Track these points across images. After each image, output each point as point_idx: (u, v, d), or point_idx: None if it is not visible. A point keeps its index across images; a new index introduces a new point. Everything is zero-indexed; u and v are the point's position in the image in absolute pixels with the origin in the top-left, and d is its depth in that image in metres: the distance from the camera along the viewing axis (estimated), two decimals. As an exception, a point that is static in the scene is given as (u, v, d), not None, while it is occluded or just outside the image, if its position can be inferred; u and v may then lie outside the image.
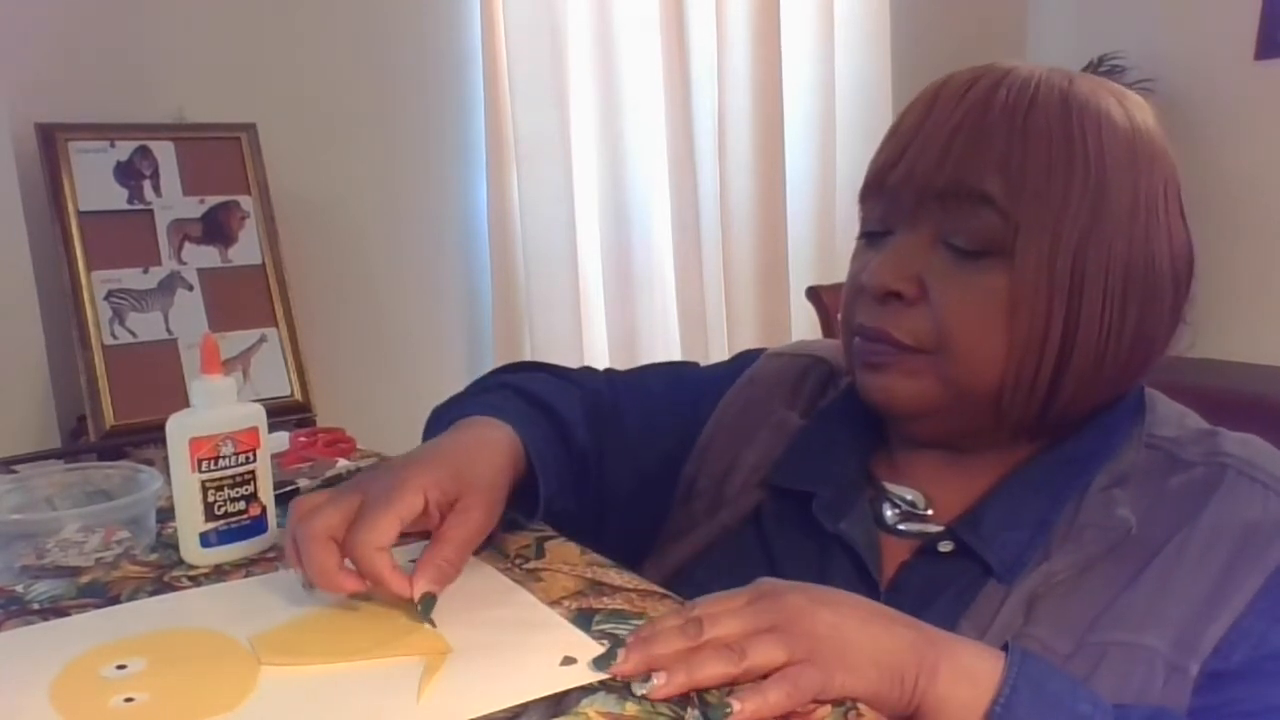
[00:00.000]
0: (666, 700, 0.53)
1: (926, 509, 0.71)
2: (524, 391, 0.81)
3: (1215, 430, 0.69)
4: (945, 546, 0.67)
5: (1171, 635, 0.59)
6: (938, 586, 0.66)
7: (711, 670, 0.53)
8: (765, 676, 0.53)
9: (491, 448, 0.69)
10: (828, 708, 0.53)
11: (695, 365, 0.94)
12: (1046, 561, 0.64)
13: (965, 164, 0.64)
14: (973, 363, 0.65)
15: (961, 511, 0.69)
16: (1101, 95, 0.66)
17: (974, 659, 0.56)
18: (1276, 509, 0.62)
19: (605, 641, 0.59)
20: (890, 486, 0.73)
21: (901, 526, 0.71)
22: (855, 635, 0.55)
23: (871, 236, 0.71)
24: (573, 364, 0.93)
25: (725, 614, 0.56)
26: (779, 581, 0.58)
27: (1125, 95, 0.68)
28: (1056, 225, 0.63)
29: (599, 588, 0.67)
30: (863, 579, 0.69)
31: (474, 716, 0.51)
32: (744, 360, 0.89)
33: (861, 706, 0.53)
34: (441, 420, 0.77)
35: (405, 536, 0.64)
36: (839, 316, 0.75)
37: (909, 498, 0.72)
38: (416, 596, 0.60)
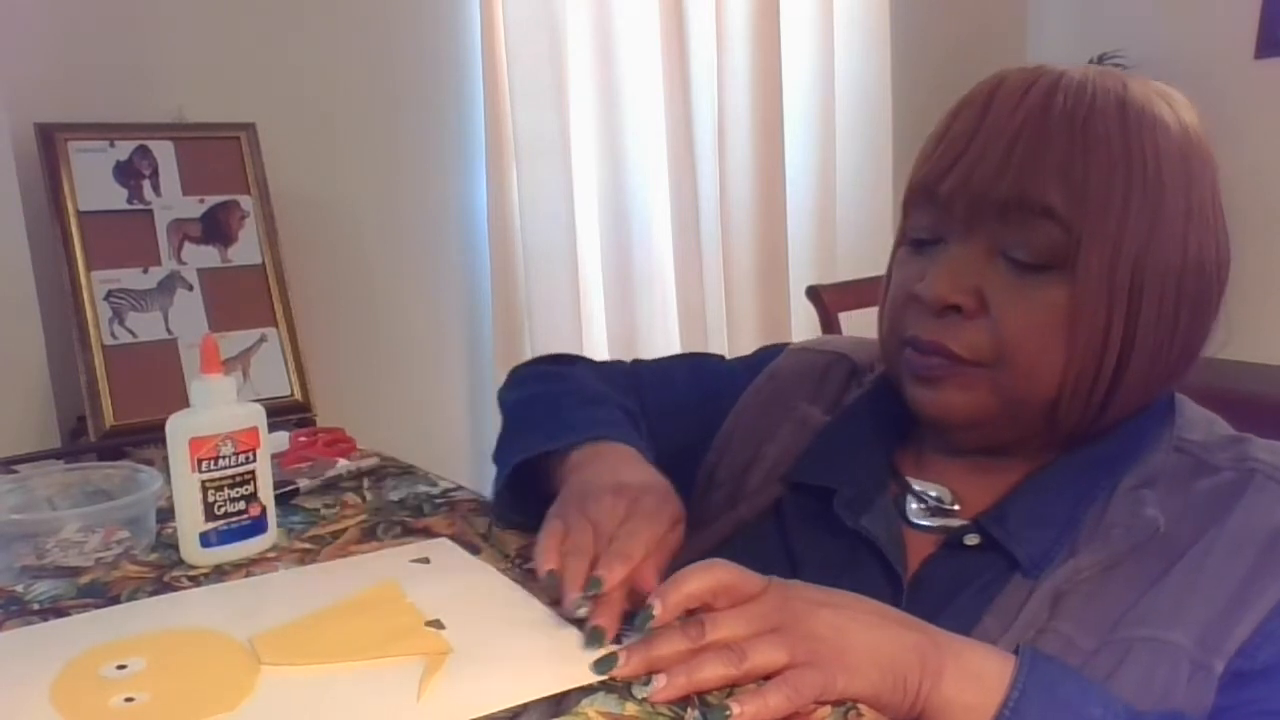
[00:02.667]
0: (667, 703, 0.52)
1: (953, 504, 0.71)
2: (621, 406, 0.83)
3: (1244, 436, 0.69)
4: (971, 540, 0.67)
5: (1196, 633, 0.59)
6: (962, 580, 0.66)
7: (712, 672, 0.53)
8: (767, 677, 0.53)
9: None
10: (828, 708, 0.53)
11: (720, 358, 0.93)
12: (1073, 558, 0.63)
13: (1026, 175, 0.63)
14: (1031, 375, 0.64)
15: (987, 507, 0.69)
16: (1154, 100, 0.65)
17: (982, 661, 0.56)
18: None
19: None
20: (915, 483, 0.73)
21: (926, 522, 0.71)
22: (858, 637, 0.55)
23: (919, 244, 0.70)
24: (574, 363, 0.94)
25: (727, 615, 0.56)
26: (783, 582, 0.58)
27: (1172, 97, 0.67)
28: (1118, 236, 0.62)
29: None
30: (886, 574, 0.68)
31: (474, 716, 0.51)
32: (767, 354, 0.89)
33: (861, 706, 0.53)
34: (539, 425, 0.79)
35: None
36: (882, 323, 0.74)
37: (934, 494, 0.71)
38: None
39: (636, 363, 0.91)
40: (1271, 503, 0.63)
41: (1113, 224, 0.62)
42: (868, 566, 0.69)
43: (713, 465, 0.83)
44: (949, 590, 0.65)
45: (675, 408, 0.86)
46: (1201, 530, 0.63)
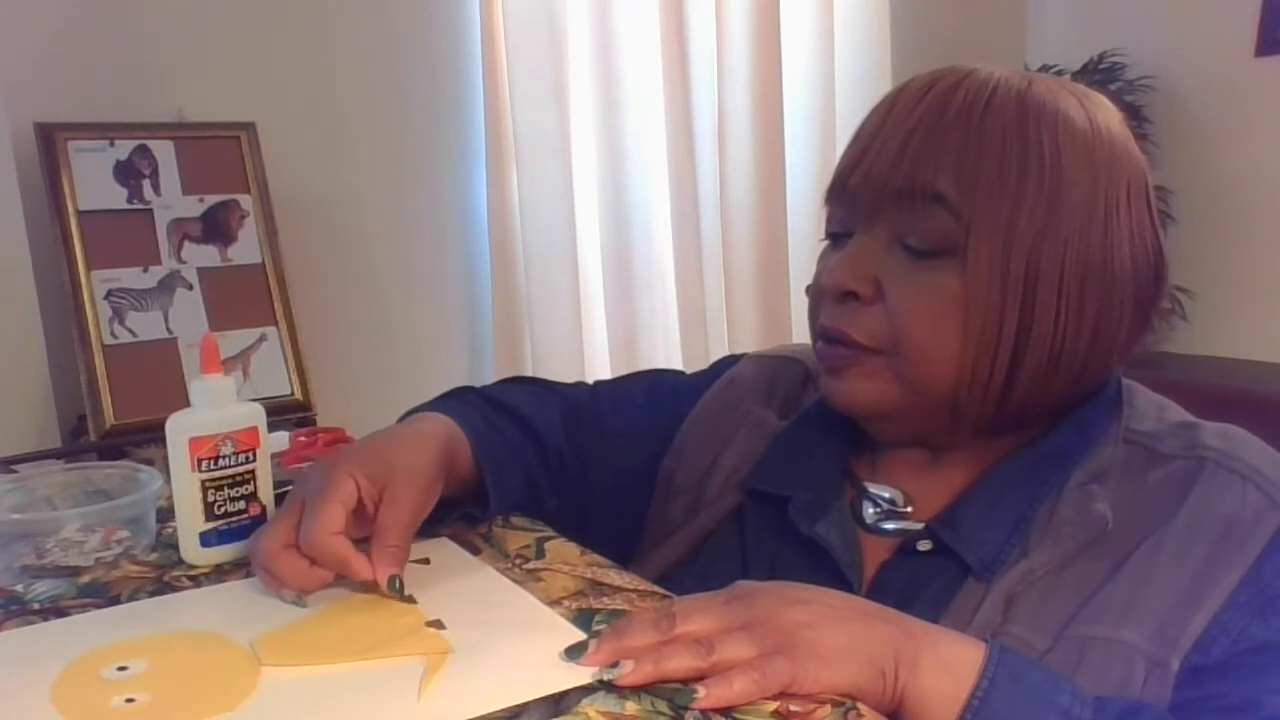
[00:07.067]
0: (633, 688, 0.53)
1: (906, 506, 0.71)
2: (489, 397, 0.84)
3: (1194, 422, 0.68)
4: (924, 545, 0.67)
5: (1151, 630, 0.59)
6: (918, 585, 0.66)
7: (679, 663, 0.53)
8: None
9: (421, 437, 0.71)
10: (828, 708, 0.53)
11: (679, 372, 0.95)
12: (1025, 559, 0.63)
13: (919, 164, 0.64)
14: (927, 362, 0.65)
15: (941, 508, 0.69)
16: (1061, 96, 0.66)
17: (956, 650, 0.56)
18: (1255, 501, 0.62)
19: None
20: (870, 486, 0.73)
21: (883, 525, 0.71)
22: (829, 631, 0.55)
23: (835, 239, 0.72)
24: (573, 363, 0.95)
25: (698, 611, 0.56)
26: (754, 583, 0.59)
27: (1088, 96, 0.68)
28: (1010, 225, 0.63)
29: (599, 588, 0.67)
30: (842, 581, 0.69)
31: (474, 716, 0.51)
32: (723, 364, 0.91)
33: (861, 707, 0.53)
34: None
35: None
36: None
37: (887, 496, 0.72)
38: (382, 583, 0.63)
39: (596, 385, 0.92)
40: (1221, 492, 0.62)
41: (1005, 212, 0.63)
42: (825, 572, 0.69)
43: (670, 472, 0.84)
44: (905, 595, 0.66)
45: (637, 429, 0.86)
46: (1153, 525, 0.62)
